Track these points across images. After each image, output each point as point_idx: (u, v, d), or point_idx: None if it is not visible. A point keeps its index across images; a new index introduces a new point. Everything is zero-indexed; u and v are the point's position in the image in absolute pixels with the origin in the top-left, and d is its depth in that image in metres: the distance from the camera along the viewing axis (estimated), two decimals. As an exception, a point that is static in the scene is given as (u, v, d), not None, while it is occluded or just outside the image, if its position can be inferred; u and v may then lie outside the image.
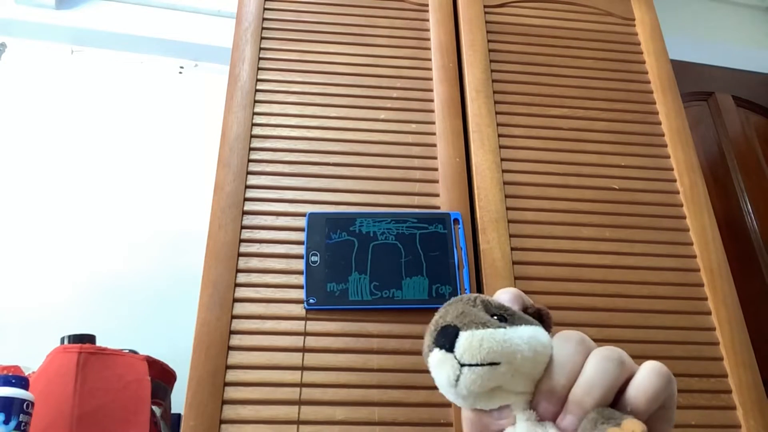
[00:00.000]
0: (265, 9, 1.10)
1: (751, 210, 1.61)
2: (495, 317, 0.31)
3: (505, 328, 0.30)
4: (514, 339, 0.30)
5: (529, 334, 0.30)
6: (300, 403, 0.80)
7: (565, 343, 0.31)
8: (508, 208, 0.97)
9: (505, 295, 0.33)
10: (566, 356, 0.30)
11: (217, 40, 1.54)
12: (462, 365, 0.29)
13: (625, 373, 0.30)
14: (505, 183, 0.99)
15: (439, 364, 0.30)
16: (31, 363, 0.94)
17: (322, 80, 1.05)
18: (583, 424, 0.29)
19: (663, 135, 1.10)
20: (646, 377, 0.31)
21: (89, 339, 0.93)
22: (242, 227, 0.91)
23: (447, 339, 0.30)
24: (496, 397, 0.30)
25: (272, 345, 0.84)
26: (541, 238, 0.96)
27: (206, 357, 0.81)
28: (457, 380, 0.29)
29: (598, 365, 0.30)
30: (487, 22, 1.15)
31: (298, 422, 0.79)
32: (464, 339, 0.29)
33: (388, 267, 0.90)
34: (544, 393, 0.30)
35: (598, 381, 0.29)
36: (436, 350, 0.31)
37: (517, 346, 0.29)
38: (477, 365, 0.29)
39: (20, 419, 0.73)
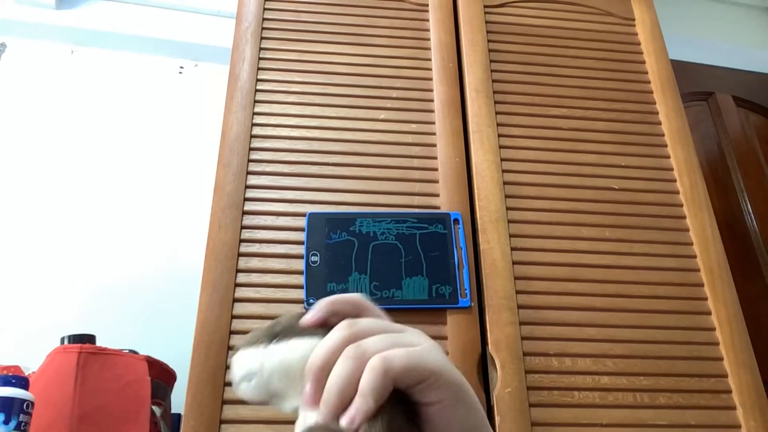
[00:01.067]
0: (265, 9, 1.10)
1: (751, 210, 1.61)
2: (269, 338, 0.33)
3: (263, 347, 0.33)
4: (266, 356, 0.33)
5: (289, 347, 0.33)
6: (300, 403, 0.80)
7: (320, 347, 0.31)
8: (508, 208, 0.97)
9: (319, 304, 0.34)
10: (314, 363, 0.31)
11: (217, 40, 1.54)
12: (235, 384, 0.33)
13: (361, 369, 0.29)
14: (505, 183, 0.99)
15: (234, 380, 0.34)
16: (31, 363, 0.94)
17: (322, 80, 1.05)
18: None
19: (663, 135, 1.10)
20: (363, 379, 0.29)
21: (89, 339, 0.93)
22: (242, 227, 0.91)
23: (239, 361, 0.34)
24: (285, 399, 0.33)
25: (272, 345, 0.83)
26: (541, 238, 0.96)
27: (206, 357, 0.81)
28: (242, 392, 0.33)
29: (338, 372, 0.30)
30: (487, 22, 1.15)
31: (298, 422, 0.79)
32: (234, 362, 0.34)
33: (388, 267, 0.90)
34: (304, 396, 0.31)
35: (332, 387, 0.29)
36: (234, 365, 0.34)
37: (266, 361, 0.32)
38: (239, 383, 0.33)
39: (20, 419, 0.73)
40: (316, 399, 0.30)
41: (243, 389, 0.33)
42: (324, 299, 0.34)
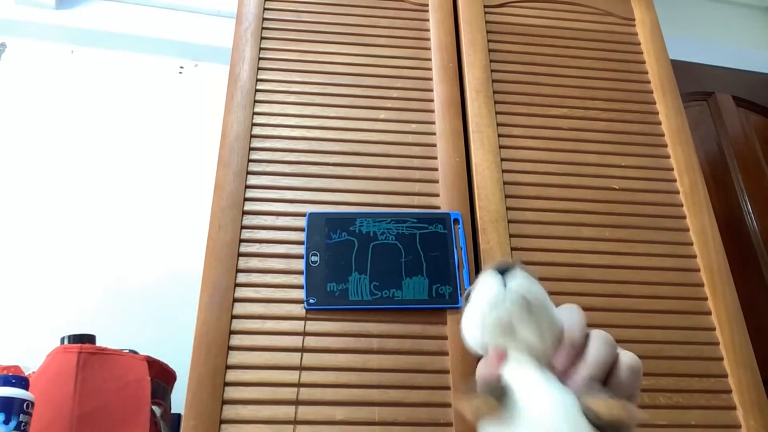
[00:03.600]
0: (265, 9, 1.10)
1: (751, 210, 1.61)
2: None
3: (545, 294, 0.37)
4: (548, 301, 0.37)
5: (556, 310, 0.37)
6: (300, 403, 0.80)
7: (575, 313, 0.38)
8: (508, 208, 0.97)
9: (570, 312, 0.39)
10: (580, 322, 0.37)
11: (217, 40, 1.54)
12: (506, 288, 0.36)
13: (615, 356, 0.36)
14: (505, 183, 0.99)
15: (489, 282, 0.36)
16: (31, 363, 0.94)
17: (322, 80, 1.05)
18: (580, 389, 0.34)
19: (663, 135, 1.10)
20: (625, 372, 0.36)
21: (89, 339, 0.93)
22: (242, 227, 0.91)
23: (505, 268, 0.36)
24: (509, 338, 0.36)
25: (272, 345, 0.84)
26: (541, 238, 0.96)
27: (206, 357, 0.81)
28: (495, 303, 0.35)
29: (603, 347, 0.36)
30: (487, 22, 1.15)
31: (298, 422, 0.79)
32: (519, 273, 0.37)
33: (388, 267, 0.90)
34: (566, 344, 0.36)
35: (602, 359, 0.35)
36: (492, 272, 0.37)
37: (547, 304, 0.36)
38: (518, 295, 0.35)
39: (20, 419, 0.73)
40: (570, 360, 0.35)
41: (516, 303, 0.35)
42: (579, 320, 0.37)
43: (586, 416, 0.32)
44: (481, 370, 0.38)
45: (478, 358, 0.39)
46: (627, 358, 0.36)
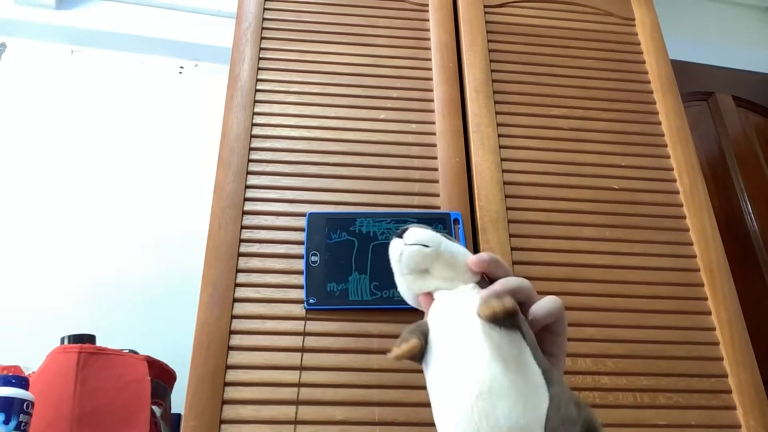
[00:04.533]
0: (265, 9, 1.10)
1: (751, 210, 1.61)
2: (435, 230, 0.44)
3: (441, 236, 0.43)
4: (443, 238, 0.43)
5: (456, 245, 0.43)
6: (300, 403, 0.80)
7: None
8: (508, 208, 0.97)
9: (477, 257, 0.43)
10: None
11: (217, 40, 1.54)
12: (405, 245, 0.42)
13: (530, 294, 0.41)
14: (505, 183, 0.99)
15: (392, 247, 0.43)
16: (31, 363, 0.94)
17: (322, 80, 1.05)
18: (480, 301, 0.39)
19: (663, 135, 1.10)
20: (545, 301, 0.42)
21: (89, 339, 0.93)
22: (242, 227, 0.91)
23: (402, 231, 0.43)
24: (427, 279, 0.42)
25: (272, 345, 0.84)
26: (541, 238, 0.96)
27: (206, 357, 0.81)
28: (400, 256, 0.42)
29: (519, 278, 0.42)
30: (487, 22, 1.15)
31: (298, 422, 0.79)
32: (412, 228, 0.43)
33: (388, 267, 0.89)
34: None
35: (517, 280, 0.41)
36: (394, 239, 0.43)
37: (444, 242, 0.42)
38: (413, 244, 0.42)
39: (20, 419, 0.73)
40: (480, 266, 0.42)
41: (415, 249, 0.41)
42: (490, 253, 0.43)
43: (479, 316, 0.38)
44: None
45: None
46: (549, 296, 0.42)
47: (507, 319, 0.37)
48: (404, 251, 0.42)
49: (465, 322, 0.39)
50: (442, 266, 0.42)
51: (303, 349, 0.84)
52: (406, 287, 0.44)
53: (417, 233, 0.42)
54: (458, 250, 0.43)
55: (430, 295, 0.43)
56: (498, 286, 0.40)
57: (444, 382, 0.38)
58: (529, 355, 0.38)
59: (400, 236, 0.43)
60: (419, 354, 0.40)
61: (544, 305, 0.41)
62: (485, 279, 0.43)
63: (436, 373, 0.40)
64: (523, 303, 0.40)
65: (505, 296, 0.38)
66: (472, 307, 0.39)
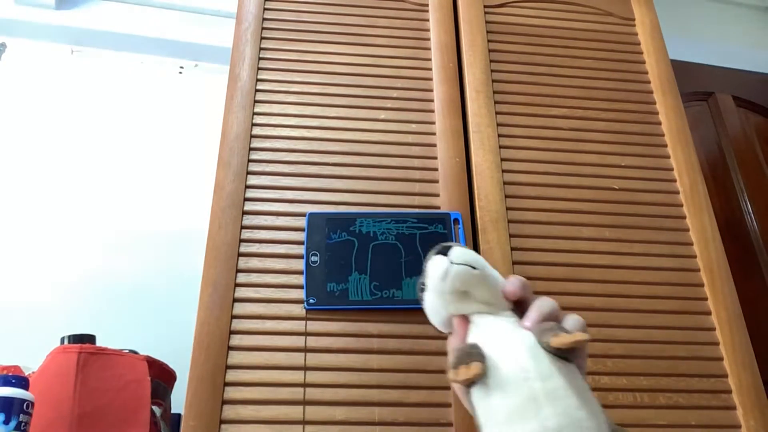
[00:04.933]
0: (265, 9, 1.10)
1: (751, 210, 1.61)
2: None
3: (482, 259, 0.43)
4: (485, 261, 0.43)
5: (494, 270, 0.43)
6: (300, 403, 0.80)
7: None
8: (508, 208, 0.97)
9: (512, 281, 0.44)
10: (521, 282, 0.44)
11: (217, 40, 1.54)
12: (452, 263, 0.42)
13: (558, 313, 0.42)
14: (505, 183, 0.99)
15: (435, 264, 0.43)
16: (31, 363, 0.94)
17: (322, 80, 1.05)
18: (535, 330, 0.39)
19: (663, 135, 1.10)
20: (571, 320, 0.42)
21: (89, 339, 0.93)
22: (242, 227, 0.91)
23: (445, 249, 0.43)
24: (467, 302, 0.42)
25: (272, 345, 0.84)
26: (541, 238, 0.96)
27: (206, 357, 0.81)
28: (446, 274, 0.42)
29: (548, 299, 0.42)
30: (487, 22, 1.15)
31: (298, 422, 0.79)
32: (457, 248, 0.43)
33: (388, 267, 0.90)
34: (535, 306, 0.42)
35: (548, 303, 0.42)
36: (436, 256, 0.43)
37: (487, 264, 0.43)
38: (462, 264, 0.41)
39: (20, 419, 0.73)
40: (517, 294, 0.42)
41: (463, 269, 0.41)
42: (521, 279, 0.43)
43: (545, 349, 0.38)
44: (453, 343, 0.44)
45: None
46: (572, 314, 0.42)
47: (571, 352, 0.37)
48: (451, 270, 0.41)
49: (530, 353, 0.38)
50: (484, 290, 0.42)
51: (306, 350, 0.84)
52: (442, 306, 0.43)
53: (464, 253, 0.42)
54: (496, 273, 0.43)
55: (465, 318, 0.43)
56: (536, 313, 0.40)
57: (517, 415, 0.36)
58: (588, 389, 0.38)
59: (444, 254, 0.42)
60: (476, 381, 0.39)
61: (571, 326, 0.41)
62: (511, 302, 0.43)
63: (503, 406, 0.37)
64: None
65: (569, 330, 0.38)
66: (529, 337, 0.38)
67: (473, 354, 0.39)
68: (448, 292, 0.42)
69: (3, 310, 1.23)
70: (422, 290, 0.45)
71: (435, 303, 0.44)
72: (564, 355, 0.37)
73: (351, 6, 1.13)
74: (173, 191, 1.42)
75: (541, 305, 0.41)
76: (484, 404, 0.38)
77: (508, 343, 0.39)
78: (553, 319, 0.41)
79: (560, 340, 0.37)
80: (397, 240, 0.92)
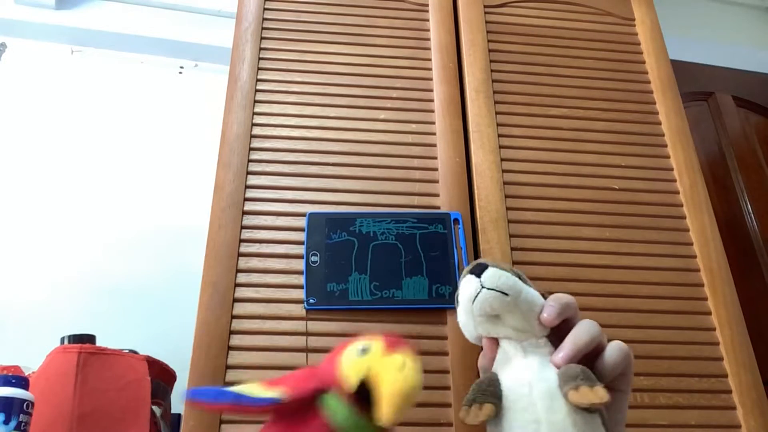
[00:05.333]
0: (265, 9, 1.10)
1: (751, 210, 1.61)
2: (516, 274, 0.41)
3: (518, 280, 0.41)
4: (523, 286, 0.40)
5: (532, 292, 0.41)
6: (300, 403, 0.80)
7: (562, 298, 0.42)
8: (508, 208, 0.97)
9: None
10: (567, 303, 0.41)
11: (217, 40, 1.54)
12: (482, 287, 0.40)
13: (600, 340, 0.40)
14: (505, 183, 0.99)
15: (466, 284, 0.41)
16: (31, 363, 0.94)
17: (321, 80, 1.05)
18: (560, 373, 0.37)
19: (663, 135, 1.10)
20: (613, 352, 0.40)
21: (89, 339, 0.92)
22: (242, 227, 0.91)
23: (478, 269, 0.41)
24: (497, 326, 0.40)
25: (272, 345, 0.84)
26: (541, 238, 0.96)
27: (206, 357, 0.81)
28: (475, 297, 0.40)
29: (588, 325, 0.40)
30: (487, 22, 1.15)
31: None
32: (491, 271, 0.40)
33: (388, 267, 0.90)
34: (568, 342, 0.39)
35: (586, 333, 0.39)
36: (468, 275, 0.41)
37: (524, 291, 0.40)
38: (492, 289, 0.39)
39: (20, 419, 0.73)
40: (553, 323, 0.40)
41: (493, 295, 0.39)
42: (561, 303, 0.41)
43: (567, 398, 0.36)
44: (481, 362, 0.43)
45: (479, 351, 0.43)
46: (615, 342, 0.40)
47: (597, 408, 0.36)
48: (480, 294, 0.39)
49: (548, 401, 0.36)
50: (516, 316, 0.40)
51: (306, 350, 0.84)
52: (472, 326, 0.42)
53: (497, 277, 0.40)
54: (533, 298, 0.40)
55: (495, 341, 0.41)
56: (569, 349, 0.38)
57: None
58: None
59: (478, 275, 0.40)
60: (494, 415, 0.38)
61: (612, 359, 0.39)
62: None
63: None
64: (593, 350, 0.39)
65: (596, 383, 0.36)
66: (552, 380, 0.37)
67: (488, 393, 0.38)
68: (477, 315, 0.40)
69: (3, 310, 1.23)
70: (457, 302, 0.43)
71: (465, 321, 0.42)
72: (588, 409, 0.36)
73: (351, 6, 1.13)
74: (173, 191, 1.42)
75: (576, 337, 0.38)
76: None
77: (527, 385, 0.38)
78: (591, 351, 0.39)
79: (577, 398, 0.35)
80: (397, 240, 0.92)
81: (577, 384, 0.36)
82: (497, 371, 0.40)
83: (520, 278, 0.41)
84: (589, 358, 0.39)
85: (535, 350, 0.39)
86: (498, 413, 0.38)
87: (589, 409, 0.36)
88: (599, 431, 0.36)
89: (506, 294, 0.39)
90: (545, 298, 0.42)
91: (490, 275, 0.40)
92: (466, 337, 0.43)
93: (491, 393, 0.38)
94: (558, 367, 0.38)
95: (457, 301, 0.42)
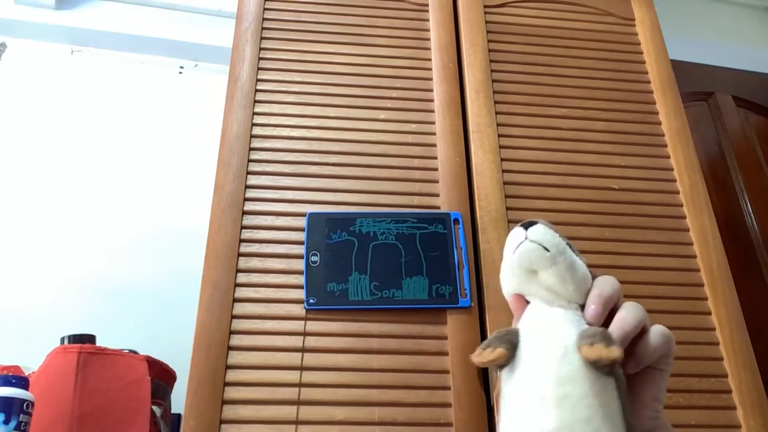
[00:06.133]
0: (265, 9, 1.10)
1: (751, 210, 1.61)
2: (566, 241, 0.42)
3: (567, 246, 0.41)
4: (568, 251, 0.41)
5: (579, 262, 0.42)
6: (300, 403, 0.80)
7: (610, 279, 0.43)
8: (508, 208, 0.97)
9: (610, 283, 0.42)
10: (613, 284, 0.42)
11: (217, 40, 1.54)
12: (526, 238, 0.40)
13: (644, 324, 0.40)
14: (505, 183, 0.99)
15: (513, 236, 0.42)
16: (31, 363, 0.94)
17: (321, 80, 1.05)
18: (581, 330, 0.37)
19: (663, 135, 1.10)
20: (656, 336, 0.41)
21: (89, 339, 0.93)
22: (242, 227, 0.91)
23: (529, 223, 0.41)
24: (532, 282, 0.41)
25: (272, 345, 0.84)
26: (541, 238, 0.96)
27: (206, 357, 0.81)
28: (516, 248, 0.40)
29: (634, 310, 0.39)
30: (487, 22, 1.15)
31: (298, 422, 0.79)
32: (539, 225, 0.41)
33: (388, 267, 0.90)
34: (594, 294, 0.40)
35: (633, 317, 0.39)
36: (517, 227, 0.42)
37: (567, 253, 0.41)
38: (535, 242, 0.40)
39: (20, 419, 0.73)
40: (599, 321, 0.39)
41: (533, 247, 0.40)
42: (605, 299, 0.40)
43: (581, 353, 0.36)
44: (513, 324, 0.43)
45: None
46: (658, 326, 0.41)
47: (608, 366, 0.35)
48: (522, 245, 0.40)
49: (562, 351, 0.37)
50: (552, 275, 0.40)
51: (306, 350, 0.84)
52: (508, 278, 0.42)
53: (543, 232, 0.41)
54: (575, 263, 0.41)
55: (523, 298, 0.42)
56: (615, 328, 0.38)
57: (524, 408, 0.37)
58: (616, 410, 0.36)
59: (526, 228, 0.41)
60: (504, 364, 0.39)
61: (655, 341, 0.40)
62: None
63: (517, 394, 0.38)
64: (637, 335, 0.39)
65: (612, 343, 0.35)
66: (571, 336, 0.37)
67: (504, 339, 0.39)
68: (516, 266, 0.41)
69: (3, 310, 1.23)
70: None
71: (505, 272, 0.42)
72: (602, 369, 0.35)
73: (351, 6, 1.13)
74: (173, 191, 1.42)
75: (624, 323, 0.38)
76: (504, 389, 0.39)
77: (546, 339, 0.38)
78: (637, 332, 0.39)
79: (589, 352, 0.35)
80: (397, 240, 0.92)
81: (593, 341, 0.36)
82: (521, 323, 0.41)
83: (570, 247, 0.42)
84: (633, 341, 0.39)
85: (566, 313, 0.39)
86: (511, 360, 0.38)
87: (604, 371, 0.36)
88: (610, 395, 0.36)
89: (547, 249, 0.40)
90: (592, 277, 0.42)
91: (537, 230, 0.41)
92: (502, 292, 0.43)
93: (507, 340, 0.39)
94: (588, 324, 0.38)
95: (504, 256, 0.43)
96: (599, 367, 0.35)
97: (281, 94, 1.03)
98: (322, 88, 1.04)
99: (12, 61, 1.51)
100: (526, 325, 0.40)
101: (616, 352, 0.35)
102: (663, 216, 1.02)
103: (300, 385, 0.81)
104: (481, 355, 0.38)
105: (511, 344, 0.39)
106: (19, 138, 1.42)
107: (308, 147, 0.99)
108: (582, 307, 0.40)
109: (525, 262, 0.40)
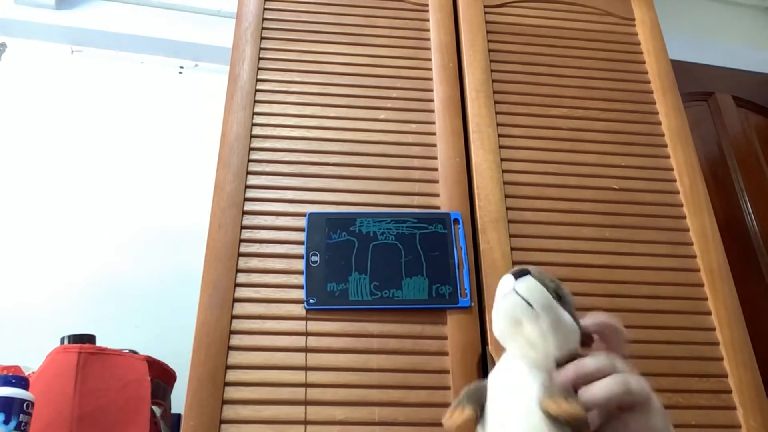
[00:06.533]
0: (265, 9, 1.10)
1: (751, 210, 1.61)
2: (557, 294, 0.42)
3: (554, 300, 0.41)
4: (554, 307, 0.41)
5: (566, 318, 0.41)
6: (300, 403, 0.80)
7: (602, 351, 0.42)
8: (508, 208, 0.97)
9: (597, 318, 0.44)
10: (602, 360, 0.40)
11: (217, 40, 1.54)
12: (513, 290, 0.41)
13: (622, 399, 0.38)
14: (505, 183, 0.99)
15: (504, 282, 0.42)
16: (31, 363, 0.94)
17: (321, 80, 1.05)
18: (546, 388, 0.38)
19: (663, 135, 1.10)
20: (603, 385, 0.39)
21: (89, 339, 0.93)
22: (242, 227, 0.91)
23: (520, 273, 0.42)
24: (516, 331, 0.41)
25: (272, 345, 0.84)
26: (541, 238, 0.96)
27: (206, 357, 0.81)
28: (503, 299, 0.41)
29: (612, 381, 0.38)
30: (487, 22, 1.15)
31: (298, 422, 0.79)
32: (529, 278, 0.41)
33: (388, 267, 0.90)
34: (572, 367, 0.39)
35: (596, 362, 0.39)
36: (509, 275, 0.42)
37: (552, 310, 0.40)
38: (520, 296, 0.40)
39: (20, 419, 0.73)
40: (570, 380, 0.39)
41: (518, 302, 0.40)
42: (599, 319, 0.43)
43: (544, 413, 0.37)
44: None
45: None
46: (617, 375, 0.39)
47: (570, 422, 0.36)
48: (508, 297, 0.41)
49: (523, 407, 0.38)
50: (534, 331, 0.40)
51: (306, 350, 0.84)
52: (495, 322, 0.43)
53: (530, 287, 0.41)
54: (564, 323, 0.41)
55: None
56: (571, 371, 0.38)
57: None
58: None
59: (516, 276, 0.42)
60: (475, 423, 0.41)
61: (599, 392, 0.38)
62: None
63: None
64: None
65: (574, 401, 0.36)
66: (534, 390, 0.38)
67: (473, 398, 0.41)
68: (501, 315, 0.42)
69: (3, 310, 1.23)
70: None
71: (494, 315, 0.43)
72: (564, 424, 0.36)
73: (351, 6, 1.13)
74: (173, 191, 1.42)
75: (583, 363, 0.39)
76: None
77: (511, 394, 0.39)
78: (599, 390, 0.38)
79: (547, 405, 0.36)
80: (397, 240, 0.92)
81: (552, 393, 0.37)
82: (491, 375, 0.43)
83: (560, 298, 0.42)
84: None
85: (535, 370, 0.40)
86: (480, 419, 0.41)
87: (563, 422, 0.37)
88: None
89: (531, 305, 0.40)
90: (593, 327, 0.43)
91: (526, 283, 0.41)
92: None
93: (475, 399, 0.41)
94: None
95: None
96: (563, 421, 0.36)
97: (281, 94, 1.03)
98: (322, 88, 1.04)
99: (12, 61, 1.51)
100: (494, 379, 0.42)
101: (575, 409, 0.36)
102: (663, 216, 1.02)
103: (300, 385, 0.81)
104: (451, 419, 0.40)
105: (479, 403, 0.41)
106: (19, 138, 1.42)
107: (308, 147, 0.99)
108: (566, 360, 0.41)
109: (510, 313, 0.41)
